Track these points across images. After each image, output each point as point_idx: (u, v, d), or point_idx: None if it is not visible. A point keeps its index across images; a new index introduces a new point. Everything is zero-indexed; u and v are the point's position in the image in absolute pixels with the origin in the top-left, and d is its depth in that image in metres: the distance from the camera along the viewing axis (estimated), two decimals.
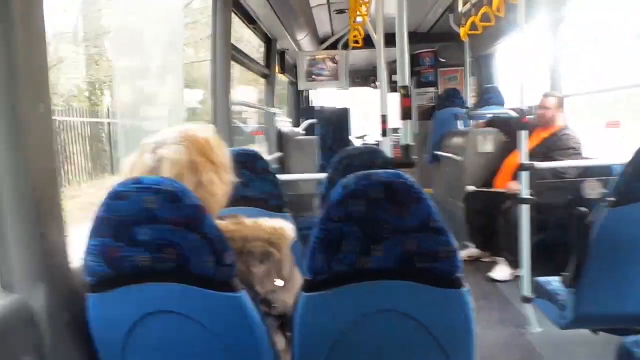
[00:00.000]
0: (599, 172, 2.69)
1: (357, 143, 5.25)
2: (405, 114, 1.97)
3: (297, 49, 4.77)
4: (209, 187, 1.03)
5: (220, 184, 1.06)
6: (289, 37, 4.26)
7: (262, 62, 4.20)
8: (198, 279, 0.92)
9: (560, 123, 3.08)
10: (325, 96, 6.97)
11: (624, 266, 1.66)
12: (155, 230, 0.89)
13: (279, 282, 1.12)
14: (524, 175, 2.44)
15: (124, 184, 0.90)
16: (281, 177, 2.11)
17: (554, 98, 3.10)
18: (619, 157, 2.35)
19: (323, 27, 5.08)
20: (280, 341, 1.15)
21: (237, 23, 3.44)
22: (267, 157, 3.64)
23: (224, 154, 1.10)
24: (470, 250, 3.56)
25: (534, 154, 2.96)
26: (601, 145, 3.19)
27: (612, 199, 1.64)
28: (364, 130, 7.06)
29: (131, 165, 1.02)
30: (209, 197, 1.03)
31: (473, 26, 3.53)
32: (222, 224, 1.05)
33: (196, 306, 0.94)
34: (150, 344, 0.96)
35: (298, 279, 1.18)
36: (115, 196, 0.89)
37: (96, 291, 0.94)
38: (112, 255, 0.90)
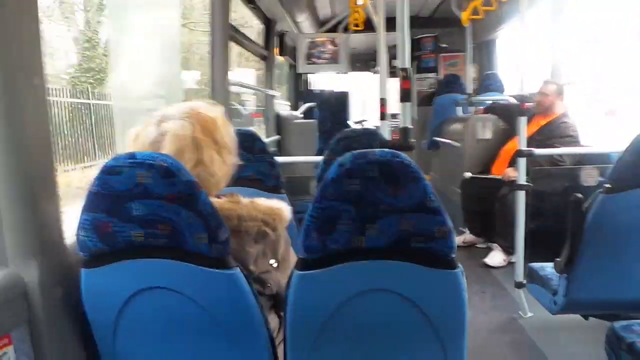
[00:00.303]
0: (596, 159, 2.70)
1: (356, 127, 5.23)
2: (405, 96, 1.95)
3: (296, 31, 4.72)
4: (209, 166, 1.03)
5: (221, 164, 1.06)
6: (288, 18, 4.21)
7: (261, 44, 4.16)
8: (191, 256, 0.92)
9: (559, 111, 3.07)
10: (325, 81, 6.91)
11: (616, 253, 1.68)
12: (149, 205, 0.88)
13: (274, 263, 1.13)
14: (521, 162, 2.44)
15: (117, 158, 0.89)
16: (279, 159, 2.10)
17: (553, 85, 3.08)
18: (616, 144, 2.35)
19: (323, 9, 5.01)
20: (273, 320, 1.16)
21: (236, 4, 3.39)
22: (266, 140, 3.63)
23: (229, 135, 1.09)
24: (466, 236, 3.58)
25: (532, 141, 2.96)
26: (601, 133, 3.19)
27: (608, 186, 1.64)
28: (363, 115, 7.03)
29: (134, 137, 1.03)
30: (208, 177, 1.03)
31: (475, 11, 3.49)
32: (218, 201, 1.04)
33: (189, 283, 0.94)
34: (143, 320, 0.97)
35: (293, 260, 1.18)
36: (108, 171, 0.88)
37: (89, 266, 0.94)
38: (104, 230, 0.90)
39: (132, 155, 0.89)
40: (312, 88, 5.67)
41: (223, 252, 0.93)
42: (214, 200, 1.03)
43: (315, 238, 0.94)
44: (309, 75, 5.57)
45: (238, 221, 1.04)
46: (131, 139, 1.03)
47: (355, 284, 0.97)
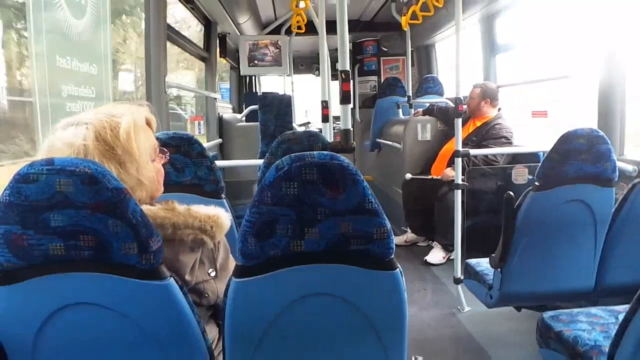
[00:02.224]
0: (527, 159, 2.86)
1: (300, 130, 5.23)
2: (345, 99, 1.97)
3: (238, 33, 4.64)
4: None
5: (124, 174, 0.98)
6: (230, 20, 4.13)
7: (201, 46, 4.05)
8: (119, 268, 0.86)
9: (491, 113, 3.23)
10: (276, 83, 6.86)
11: (545, 248, 1.78)
12: (70, 215, 0.81)
13: (212, 272, 1.08)
14: (458, 162, 2.54)
15: (33, 165, 0.81)
16: (219, 163, 2.05)
17: (478, 88, 3.25)
18: (544, 144, 2.50)
19: (266, 12, 4.97)
20: (212, 331, 1.12)
21: (173, 3, 3.28)
22: (206, 144, 3.53)
23: (139, 142, 1.01)
24: (407, 235, 3.68)
25: (468, 142, 3.10)
26: (532, 133, 3.40)
27: (536, 184, 1.74)
28: (307, 117, 7.04)
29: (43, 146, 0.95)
30: None
31: (414, 16, 3.60)
32: (151, 209, 0.99)
33: (118, 296, 0.88)
34: (66, 340, 0.89)
35: (232, 268, 1.15)
36: (23, 179, 0.80)
37: (1, 284, 0.85)
38: (18, 244, 0.82)
39: (50, 162, 0.82)
40: (259, 91, 5.59)
41: (155, 262, 0.88)
42: (146, 207, 0.98)
43: (253, 244, 0.91)
44: (261, 78, 5.49)
45: (173, 230, 0.99)
46: (44, 149, 0.97)
47: (295, 289, 0.95)
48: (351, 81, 2.71)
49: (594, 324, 1.49)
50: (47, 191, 0.80)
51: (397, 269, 0.97)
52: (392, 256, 0.97)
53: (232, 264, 1.15)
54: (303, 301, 0.96)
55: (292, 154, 0.92)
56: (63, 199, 0.81)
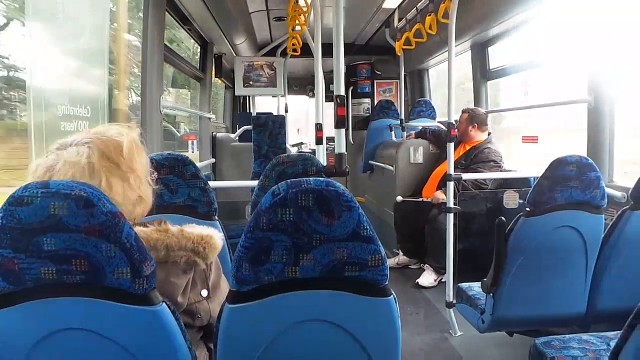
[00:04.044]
0: (518, 182, 2.90)
1: (293, 151, 5.25)
2: (340, 123, 1.99)
3: (234, 54, 4.70)
4: (107, 193, 0.94)
5: (128, 190, 1.00)
6: (226, 41, 4.19)
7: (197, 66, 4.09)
8: (112, 293, 0.85)
9: (480, 137, 3.28)
10: (269, 104, 6.91)
11: (536, 273, 1.79)
12: (63, 239, 0.81)
13: (204, 292, 1.08)
14: (450, 186, 2.56)
15: (27, 187, 0.81)
16: (212, 183, 2.05)
17: (466, 114, 3.31)
18: (534, 170, 2.53)
19: (262, 34, 5.05)
20: (201, 354, 1.10)
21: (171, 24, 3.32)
22: (200, 163, 3.54)
23: (139, 160, 1.03)
24: (399, 258, 3.67)
25: (458, 165, 3.14)
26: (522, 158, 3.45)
27: (527, 209, 1.76)
28: (300, 137, 7.09)
29: (35, 167, 0.95)
30: (118, 203, 0.97)
31: (407, 41, 3.67)
32: (144, 231, 0.98)
33: (109, 322, 0.86)
34: None
35: (224, 287, 1.14)
36: (17, 202, 0.80)
37: None
38: (9, 268, 0.80)
39: (45, 184, 0.81)
40: (258, 111, 5.63)
41: (147, 287, 0.87)
42: (140, 229, 0.97)
43: (247, 269, 0.91)
44: (255, 98, 5.55)
45: (166, 251, 0.99)
46: (31, 170, 0.96)
47: (289, 315, 0.95)
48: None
49: (586, 351, 1.49)
50: (41, 214, 0.80)
51: (391, 296, 0.98)
52: (387, 283, 0.97)
53: (224, 283, 1.15)
54: (297, 327, 0.95)
55: (289, 180, 0.92)
56: (57, 222, 0.80)
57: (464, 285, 2.17)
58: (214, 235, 1.06)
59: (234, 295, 0.93)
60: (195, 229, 1.04)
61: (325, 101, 3.13)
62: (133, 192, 1.01)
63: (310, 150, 5.98)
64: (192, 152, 3.55)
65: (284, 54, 4.78)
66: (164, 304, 0.89)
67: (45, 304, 0.84)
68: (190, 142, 3.52)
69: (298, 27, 3.56)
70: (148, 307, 0.87)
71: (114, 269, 0.83)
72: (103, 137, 1.00)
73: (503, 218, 1.77)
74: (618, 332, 1.09)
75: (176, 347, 0.91)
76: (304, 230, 0.90)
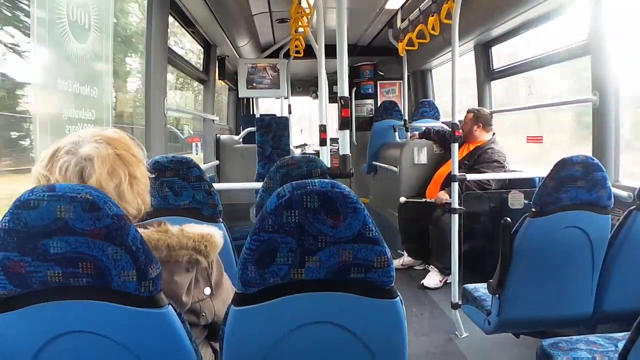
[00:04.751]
0: (522, 183, 2.88)
1: (296, 152, 5.25)
2: (344, 124, 1.99)
3: (237, 56, 4.71)
4: (141, 179, 1.02)
5: (143, 181, 1.04)
6: (229, 43, 4.20)
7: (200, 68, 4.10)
8: (118, 296, 0.85)
9: (485, 138, 3.27)
10: (272, 105, 6.92)
11: (542, 273, 1.78)
12: (69, 243, 0.81)
13: (207, 290, 1.08)
14: (455, 186, 2.55)
15: (33, 191, 0.81)
16: (217, 185, 2.05)
17: (471, 114, 3.30)
18: (539, 170, 2.52)
19: (265, 36, 5.06)
20: (205, 354, 1.10)
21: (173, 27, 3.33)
22: (203, 165, 3.54)
23: (139, 150, 1.07)
24: (404, 259, 3.66)
25: (461, 165, 3.13)
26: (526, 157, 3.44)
27: (533, 210, 1.75)
28: (304, 139, 7.09)
29: (38, 177, 0.95)
30: (143, 191, 1.03)
31: (410, 42, 3.67)
32: (145, 232, 0.99)
33: (115, 325, 0.86)
34: None
35: (228, 285, 1.15)
36: (23, 205, 0.80)
37: None
38: (16, 271, 0.81)
39: (51, 188, 0.82)
40: (261, 113, 5.64)
41: (153, 290, 0.87)
42: (141, 231, 0.98)
43: (253, 271, 0.90)
44: (259, 100, 5.56)
45: (168, 251, 1.00)
46: (35, 180, 0.96)
47: (294, 317, 0.95)
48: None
49: (593, 352, 1.48)
50: (47, 217, 0.80)
51: (398, 297, 0.97)
52: (392, 284, 0.97)
53: (227, 281, 1.16)
54: (302, 329, 0.95)
55: (294, 182, 0.92)
56: (63, 225, 0.81)
57: (470, 286, 2.16)
58: (214, 233, 1.07)
59: (240, 298, 0.93)
60: (195, 228, 1.05)
61: (329, 102, 3.12)
62: (145, 185, 1.05)
63: (314, 152, 5.98)
64: (196, 154, 3.56)
65: (287, 55, 4.78)
66: (169, 306, 0.89)
67: (52, 306, 0.84)
68: (194, 144, 3.53)
69: (301, 29, 3.56)
70: (154, 310, 0.87)
71: (120, 272, 0.84)
72: (102, 134, 1.01)
73: (509, 219, 1.76)
74: (626, 333, 1.08)
75: (182, 348, 0.91)
76: (309, 232, 0.90)
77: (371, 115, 5.78)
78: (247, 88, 4.63)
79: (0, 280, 0.81)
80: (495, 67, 3.70)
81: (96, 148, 0.97)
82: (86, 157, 0.95)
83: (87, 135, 1.00)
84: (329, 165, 1.95)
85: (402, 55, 4.25)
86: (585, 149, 2.44)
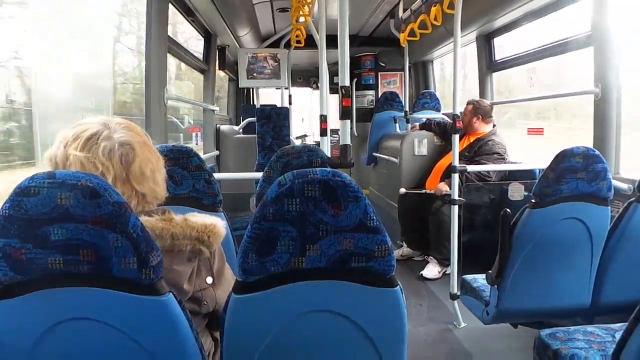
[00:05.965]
0: (523, 174, 2.88)
1: (297, 143, 5.25)
2: (345, 114, 1.99)
3: (238, 46, 4.68)
4: (163, 166, 1.07)
5: (157, 170, 1.08)
6: (230, 32, 4.17)
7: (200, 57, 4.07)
8: (119, 283, 0.85)
9: (486, 129, 3.26)
10: (273, 96, 6.89)
11: (541, 264, 1.78)
12: (70, 230, 0.81)
13: (209, 280, 1.09)
14: (455, 177, 2.55)
15: (34, 178, 0.81)
16: (217, 175, 2.05)
17: (470, 105, 3.29)
18: (539, 162, 2.52)
19: (265, 25, 5.02)
20: (206, 342, 1.11)
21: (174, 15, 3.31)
22: (204, 155, 3.54)
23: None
24: (403, 250, 3.67)
25: (461, 157, 3.13)
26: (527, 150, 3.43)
27: (533, 201, 1.75)
28: (304, 129, 7.07)
29: (73, 160, 0.96)
30: (165, 176, 1.09)
31: (412, 33, 3.64)
32: (150, 220, 0.99)
33: (116, 312, 0.87)
34: (62, 355, 0.88)
35: (229, 276, 1.16)
36: (23, 192, 0.80)
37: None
38: (17, 257, 0.81)
39: (51, 175, 0.81)
40: (262, 103, 5.62)
41: (154, 278, 0.87)
42: (145, 219, 0.98)
43: (253, 260, 0.91)
44: (259, 90, 5.56)
45: (171, 240, 1.00)
46: (53, 162, 0.98)
47: (295, 305, 0.95)
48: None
49: (591, 343, 1.49)
50: (48, 204, 0.80)
51: (398, 286, 0.98)
52: (393, 273, 0.97)
53: (228, 271, 1.17)
54: (303, 318, 0.95)
55: (295, 171, 0.92)
56: (63, 213, 0.81)
57: (469, 277, 2.17)
58: (217, 223, 1.07)
59: (240, 286, 0.93)
60: (199, 218, 1.05)
61: (329, 93, 3.11)
62: (162, 175, 1.09)
63: (314, 143, 5.97)
64: (196, 144, 3.56)
65: (287, 45, 4.76)
66: (170, 294, 0.90)
67: (53, 293, 0.84)
68: (194, 134, 3.52)
69: (302, 19, 3.53)
70: (155, 297, 0.87)
71: (121, 259, 0.84)
72: (113, 121, 1.03)
73: (508, 210, 1.77)
74: (624, 324, 1.09)
75: (183, 336, 0.91)
76: (310, 220, 0.90)
77: (372, 107, 5.76)
78: (248, 78, 4.61)
79: (1, 267, 0.81)
80: (497, 58, 3.68)
81: (129, 134, 1.01)
82: (123, 142, 0.99)
83: (112, 123, 1.02)
84: (330, 156, 1.95)
85: (403, 46, 4.22)
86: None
